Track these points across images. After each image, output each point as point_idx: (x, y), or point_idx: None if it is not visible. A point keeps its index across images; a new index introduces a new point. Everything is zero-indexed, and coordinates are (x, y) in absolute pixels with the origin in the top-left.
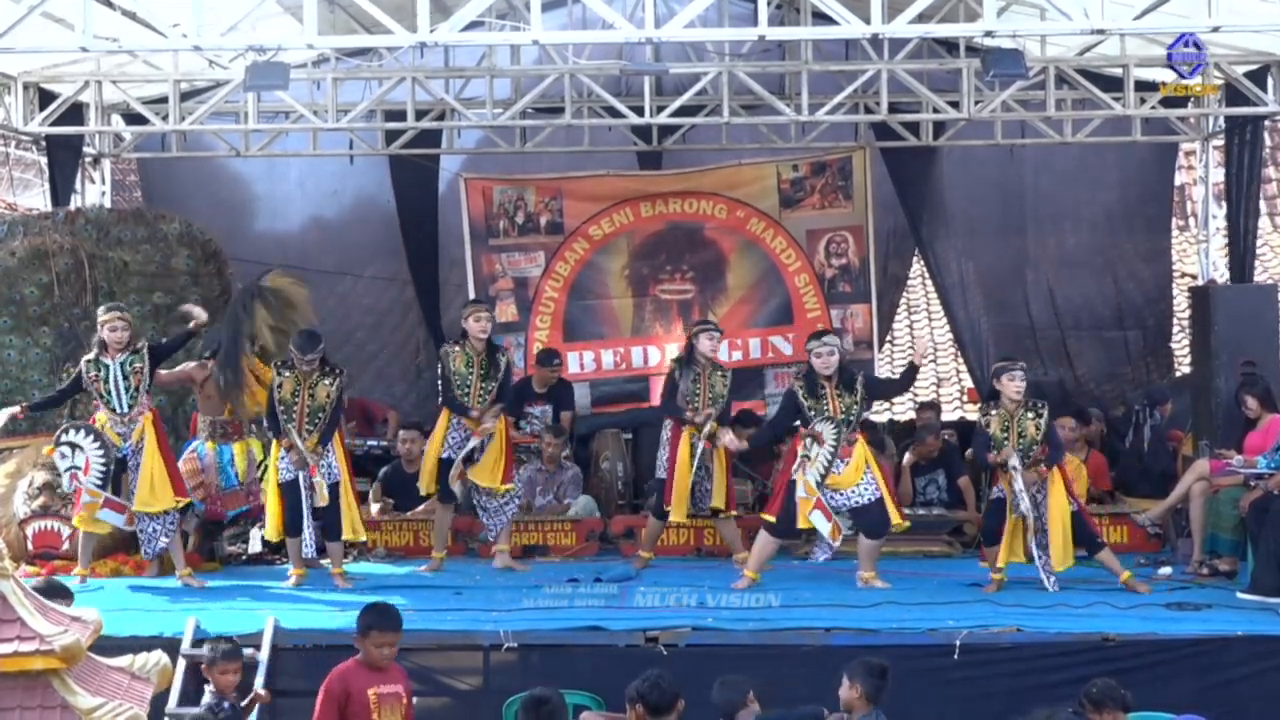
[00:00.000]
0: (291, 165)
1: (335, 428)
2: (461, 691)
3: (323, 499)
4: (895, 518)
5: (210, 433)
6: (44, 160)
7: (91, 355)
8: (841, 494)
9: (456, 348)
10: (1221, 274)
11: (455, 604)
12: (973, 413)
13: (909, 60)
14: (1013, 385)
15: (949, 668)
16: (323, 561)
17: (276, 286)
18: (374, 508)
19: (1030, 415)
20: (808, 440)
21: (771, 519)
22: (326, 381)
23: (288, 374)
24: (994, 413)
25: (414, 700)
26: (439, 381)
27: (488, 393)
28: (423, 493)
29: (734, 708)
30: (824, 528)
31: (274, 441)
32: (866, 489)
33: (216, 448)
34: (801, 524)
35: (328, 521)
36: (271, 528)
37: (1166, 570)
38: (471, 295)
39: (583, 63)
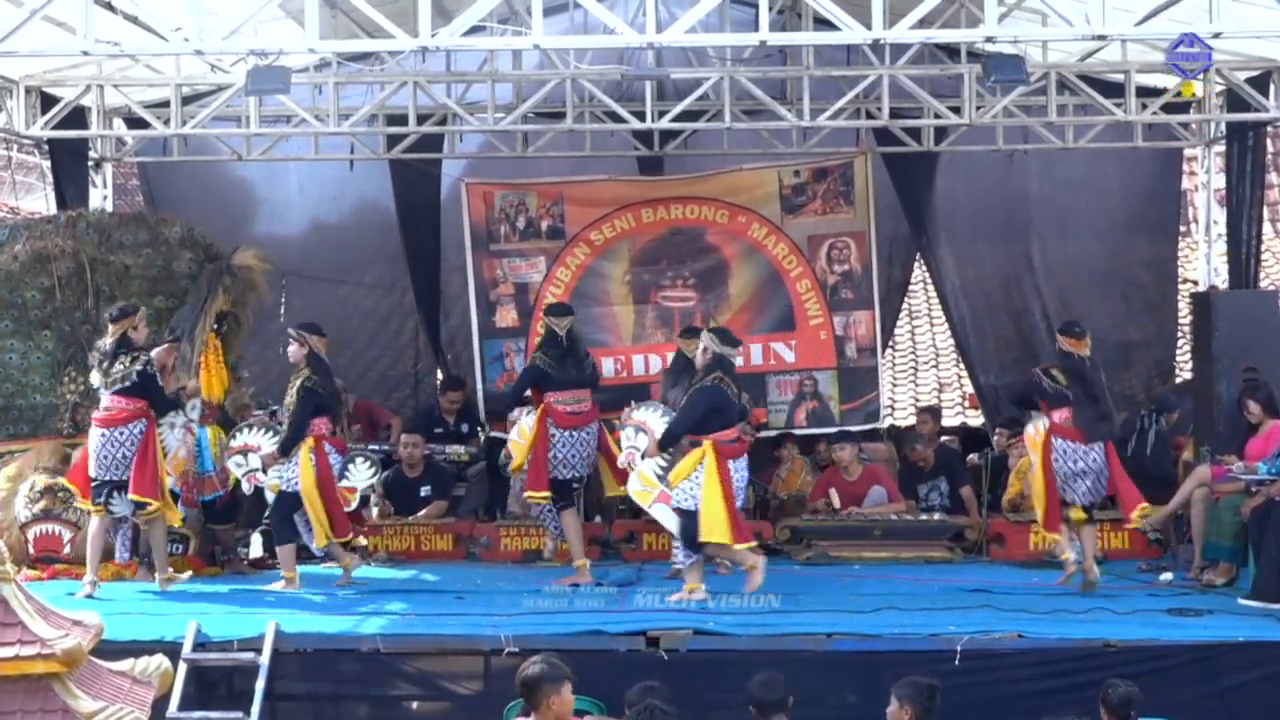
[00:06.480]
0: (292, 169)
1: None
2: (462, 696)
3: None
4: (708, 534)
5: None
6: (46, 164)
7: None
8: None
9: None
10: (1222, 279)
11: (456, 608)
12: (974, 419)
13: (910, 66)
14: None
15: (950, 674)
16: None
17: (244, 264)
18: (374, 511)
19: None
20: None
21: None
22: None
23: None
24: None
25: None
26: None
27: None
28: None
29: (773, 709)
30: (670, 523)
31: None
32: (686, 496)
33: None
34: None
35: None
36: (322, 533)
37: (1167, 576)
38: (472, 301)
39: (584, 68)
